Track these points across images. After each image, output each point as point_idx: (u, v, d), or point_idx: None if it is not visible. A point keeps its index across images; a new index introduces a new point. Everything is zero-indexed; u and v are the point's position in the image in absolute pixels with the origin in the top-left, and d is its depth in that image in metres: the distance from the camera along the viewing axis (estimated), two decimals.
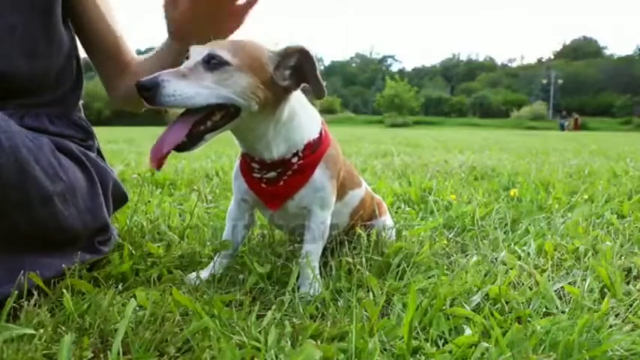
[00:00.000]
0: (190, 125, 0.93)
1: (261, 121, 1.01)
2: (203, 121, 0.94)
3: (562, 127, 34.79)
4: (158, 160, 0.91)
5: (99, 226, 1.15)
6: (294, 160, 1.07)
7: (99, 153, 1.32)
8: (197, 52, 0.93)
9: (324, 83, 0.98)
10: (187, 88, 0.88)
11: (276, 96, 0.98)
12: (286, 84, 0.97)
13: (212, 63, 0.91)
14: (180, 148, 0.93)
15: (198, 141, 0.94)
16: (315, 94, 0.99)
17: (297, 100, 1.05)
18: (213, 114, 0.95)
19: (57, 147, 1.07)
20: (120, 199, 1.31)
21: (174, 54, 1.16)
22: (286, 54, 0.96)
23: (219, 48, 0.92)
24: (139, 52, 1.33)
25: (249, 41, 0.97)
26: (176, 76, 0.88)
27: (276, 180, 1.09)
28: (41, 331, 0.81)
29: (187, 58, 0.95)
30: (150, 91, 0.86)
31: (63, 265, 1.01)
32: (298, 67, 0.97)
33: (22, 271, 0.93)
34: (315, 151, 1.09)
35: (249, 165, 1.11)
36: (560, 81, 64.82)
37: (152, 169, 0.92)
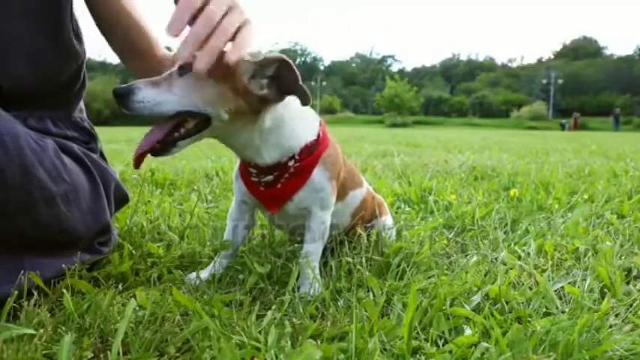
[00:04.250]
0: (165, 131, 0.95)
1: (241, 130, 1.00)
2: (177, 128, 0.95)
3: (563, 127, 34.92)
4: (135, 161, 0.95)
5: (100, 228, 1.15)
6: (291, 163, 1.07)
7: (101, 155, 1.32)
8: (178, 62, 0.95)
9: (308, 90, 0.94)
10: (157, 95, 0.90)
11: (252, 105, 0.96)
12: (263, 93, 0.95)
13: (183, 70, 0.92)
14: (154, 153, 0.95)
15: (171, 147, 0.96)
16: (301, 101, 0.96)
17: (286, 106, 1.02)
18: (187, 121, 0.95)
19: (60, 148, 1.07)
20: (121, 200, 1.31)
21: None
22: (263, 64, 0.94)
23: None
24: None
25: (224, 50, 0.93)
26: (148, 84, 0.91)
27: (273, 183, 1.09)
28: (41, 331, 0.81)
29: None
30: (122, 97, 0.88)
31: (63, 265, 1.01)
32: (277, 76, 0.95)
33: (22, 271, 0.93)
34: (312, 152, 1.08)
35: (247, 168, 1.11)
36: (560, 81, 64.85)
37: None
